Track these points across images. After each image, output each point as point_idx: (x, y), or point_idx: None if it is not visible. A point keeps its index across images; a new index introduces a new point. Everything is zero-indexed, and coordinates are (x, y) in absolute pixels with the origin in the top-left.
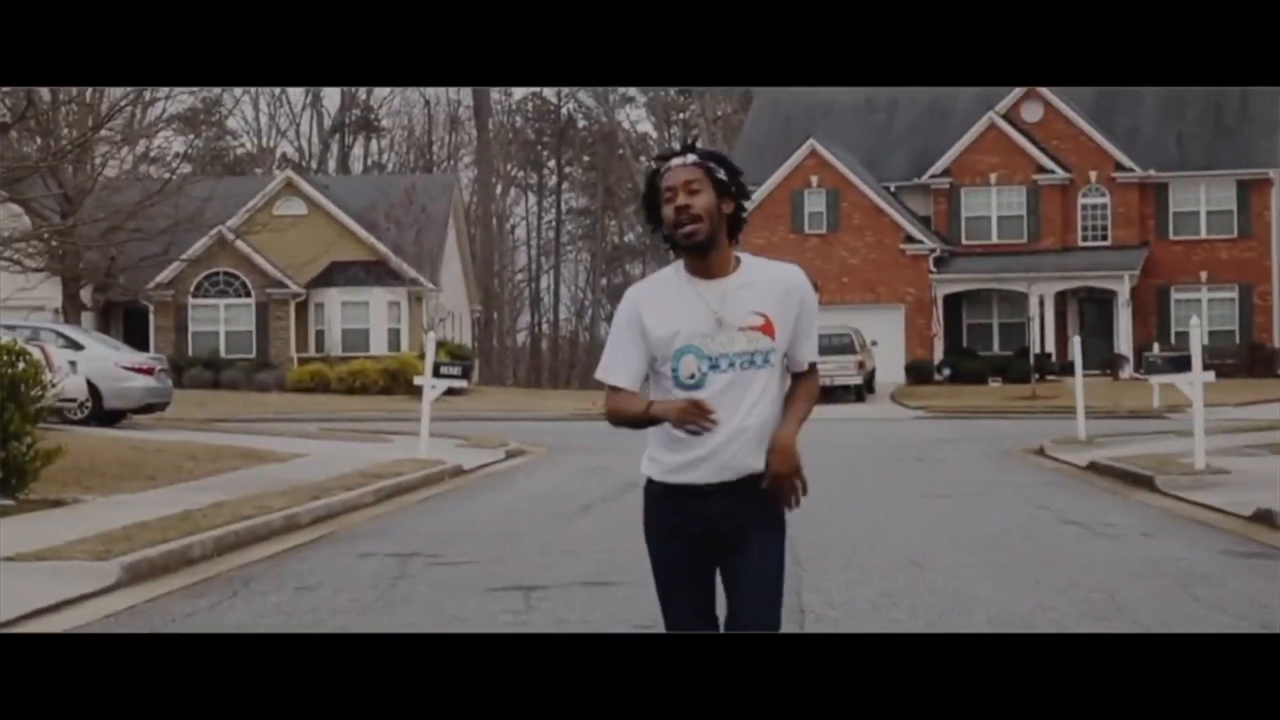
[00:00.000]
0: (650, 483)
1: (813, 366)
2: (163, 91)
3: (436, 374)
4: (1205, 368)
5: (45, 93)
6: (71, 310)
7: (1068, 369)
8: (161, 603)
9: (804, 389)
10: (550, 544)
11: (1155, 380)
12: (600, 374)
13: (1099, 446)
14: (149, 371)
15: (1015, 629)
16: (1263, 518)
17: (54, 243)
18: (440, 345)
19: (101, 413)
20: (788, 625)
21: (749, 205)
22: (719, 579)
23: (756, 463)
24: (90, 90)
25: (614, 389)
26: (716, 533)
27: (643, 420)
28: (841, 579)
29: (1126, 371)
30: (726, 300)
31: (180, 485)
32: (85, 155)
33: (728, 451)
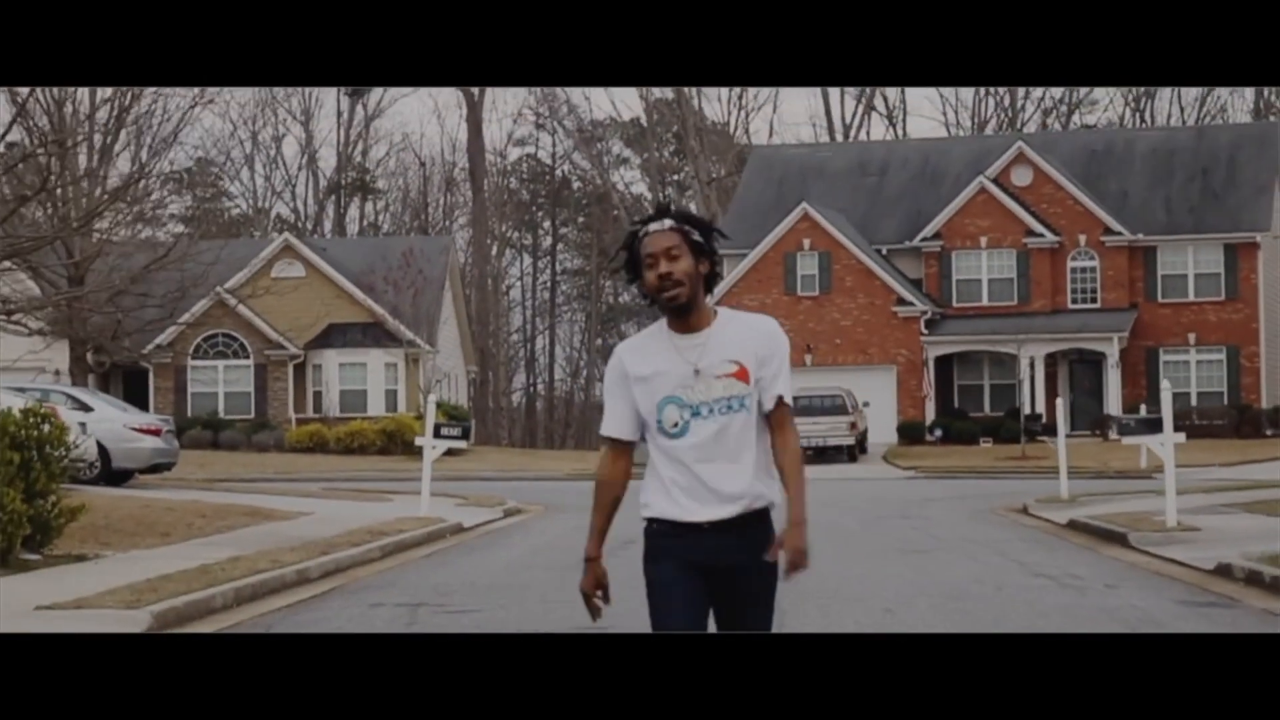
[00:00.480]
0: (651, 522)
1: (781, 403)
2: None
3: (437, 435)
4: (1182, 429)
5: (54, 162)
6: (78, 372)
7: (1053, 430)
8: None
9: (789, 461)
10: (549, 595)
11: (1127, 441)
12: (604, 429)
13: (1080, 505)
14: (156, 432)
15: None
16: (1222, 571)
17: (64, 308)
18: (438, 406)
19: (110, 472)
20: None
21: (743, 265)
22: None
23: (751, 496)
24: (98, 160)
25: (606, 440)
26: (713, 568)
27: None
28: (819, 623)
29: (1115, 432)
30: (705, 352)
31: (193, 541)
32: (92, 223)
33: (725, 487)
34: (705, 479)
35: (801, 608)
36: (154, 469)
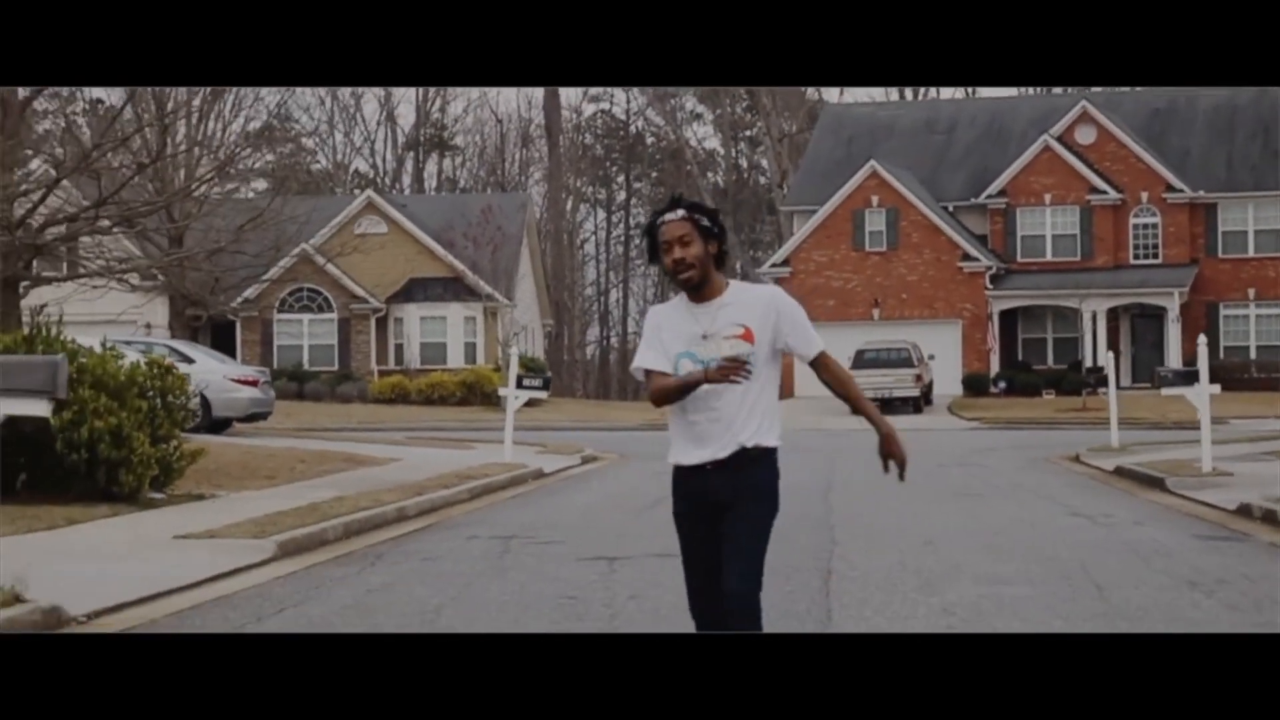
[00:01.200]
0: (674, 469)
1: (823, 354)
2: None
3: (519, 386)
4: (1241, 383)
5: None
6: (177, 327)
7: (1119, 382)
8: (315, 570)
9: (851, 389)
10: (626, 529)
11: (1166, 392)
12: (638, 363)
13: (1130, 453)
14: (254, 383)
15: (992, 585)
16: (1243, 510)
17: (170, 267)
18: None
19: (211, 421)
20: (815, 583)
21: (812, 221)
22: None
23: (746, 439)
24: (196, 128)
25: (650, 373)
26: (713, 503)
27: (685, 387)
28: (865, 551)
29: (1154, 384)
30: (716, 318)
31: (297, 484)
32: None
33: (727, 435)
34: (710, 423)
35: (854, 541)
36: (250, 418)
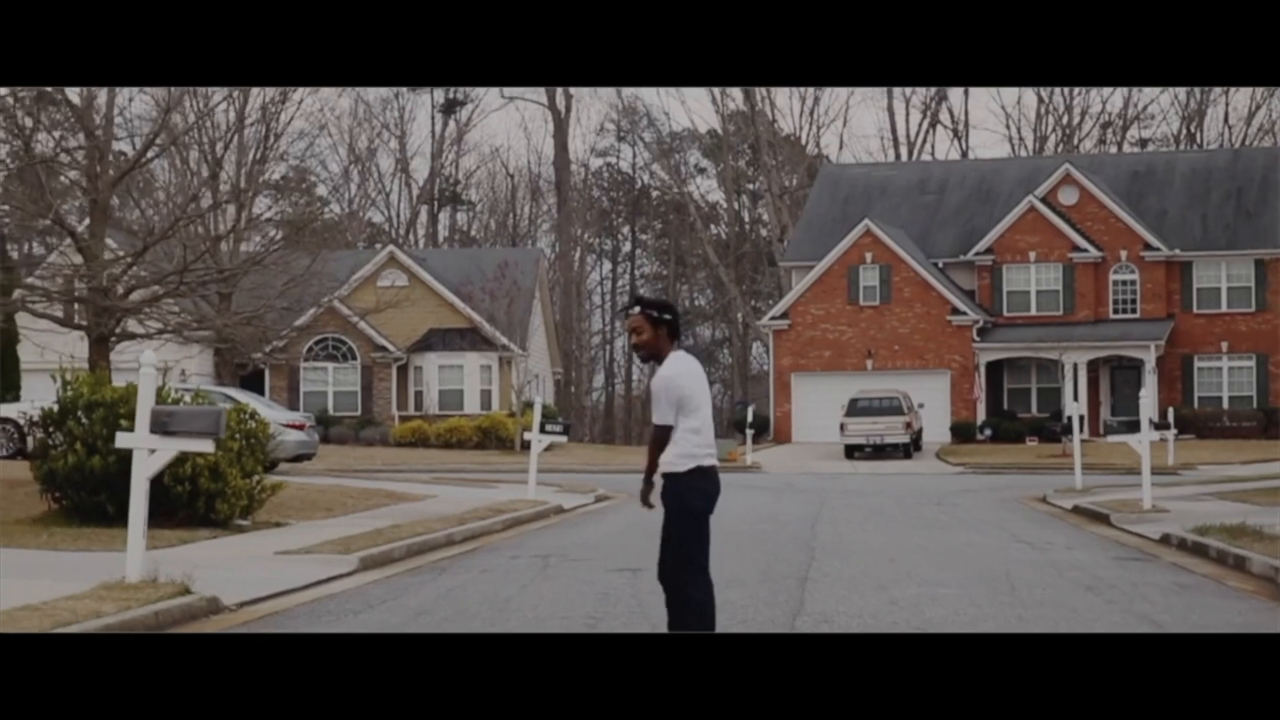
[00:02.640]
0: (695, 470)
1: (652, 425)
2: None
3: (543, 430)
4: (1214, 431)
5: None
6: (225, 374)
7: (1097, 430)
8: (394, 578)
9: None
10: (643, 549)
11: (1112, 439)
12: (661, 420)
13: (1090, 494)
14: (301, 427)
15: (931, 587)
16: (1164, 539)
17: (219, 325)
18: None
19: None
20: (793, 585)
21: (809, 277)
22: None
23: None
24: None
25: (664, 427)
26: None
27: (649, 468)
28: (838, 565)
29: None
30: None
31: (353, 515)
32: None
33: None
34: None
35: (828, 558)
36: (296, 459)
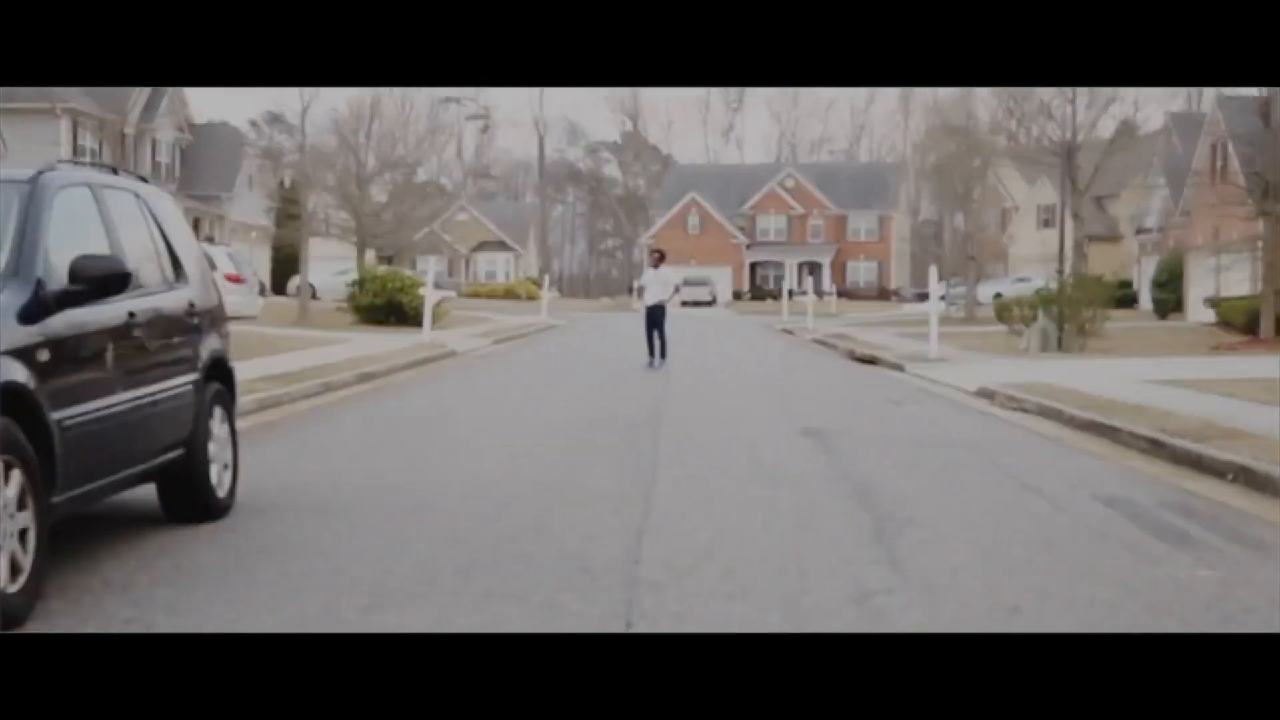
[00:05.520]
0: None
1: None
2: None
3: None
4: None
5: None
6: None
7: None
8: (510, 343)
9: None
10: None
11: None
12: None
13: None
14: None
15: (723, 357)
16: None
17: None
18: None
19: None
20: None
21: (666, 218)
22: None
23: None
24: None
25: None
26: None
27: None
28: (686, 339)
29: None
30: None
31: (463, 327)
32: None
33: None
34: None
35: (680, 337)
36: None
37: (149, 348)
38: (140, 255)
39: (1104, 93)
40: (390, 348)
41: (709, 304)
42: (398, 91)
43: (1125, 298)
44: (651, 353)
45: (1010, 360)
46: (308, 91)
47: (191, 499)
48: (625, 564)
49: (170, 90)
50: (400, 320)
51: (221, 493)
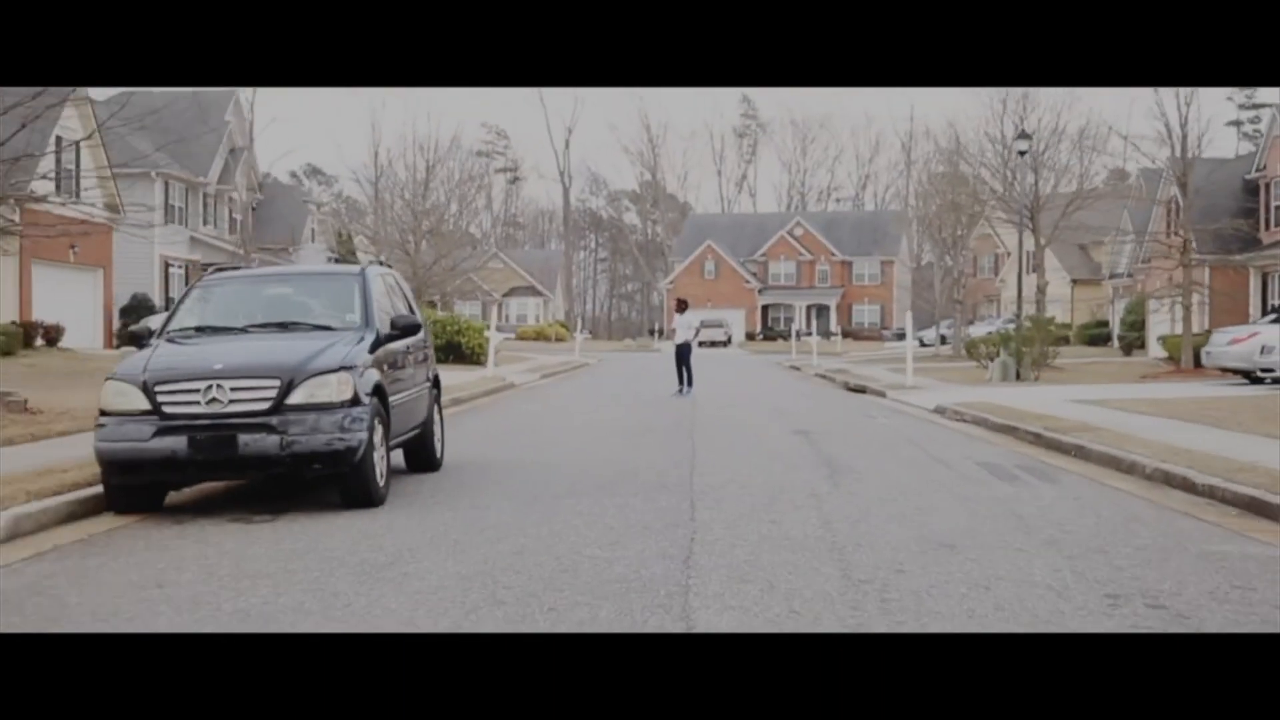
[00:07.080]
0: (683, 342)
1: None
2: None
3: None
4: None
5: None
6: (420, 305)
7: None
8: (555, 378)
9: None
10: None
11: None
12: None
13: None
14: None
15: (737, 386)
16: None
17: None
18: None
19: None
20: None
21: (683, 266)
22: None
23: None
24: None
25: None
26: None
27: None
28: (707, 372)
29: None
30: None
31: (513, 364)
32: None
33: None
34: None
35: (702, 371)
36: None
37: (413, 366)
38: (404, 312)
39: (1061, 162)
40: (462, 380)
41: (724, 344)
42: (444, 151)
43: (1100, 336)
44: (680, 382)
45: (973, 388)
46: (379, 153)
47: (427, 458)
48: (685, 485)
49: (244, 155)
50: (459, 359)
51: (439, 455)
